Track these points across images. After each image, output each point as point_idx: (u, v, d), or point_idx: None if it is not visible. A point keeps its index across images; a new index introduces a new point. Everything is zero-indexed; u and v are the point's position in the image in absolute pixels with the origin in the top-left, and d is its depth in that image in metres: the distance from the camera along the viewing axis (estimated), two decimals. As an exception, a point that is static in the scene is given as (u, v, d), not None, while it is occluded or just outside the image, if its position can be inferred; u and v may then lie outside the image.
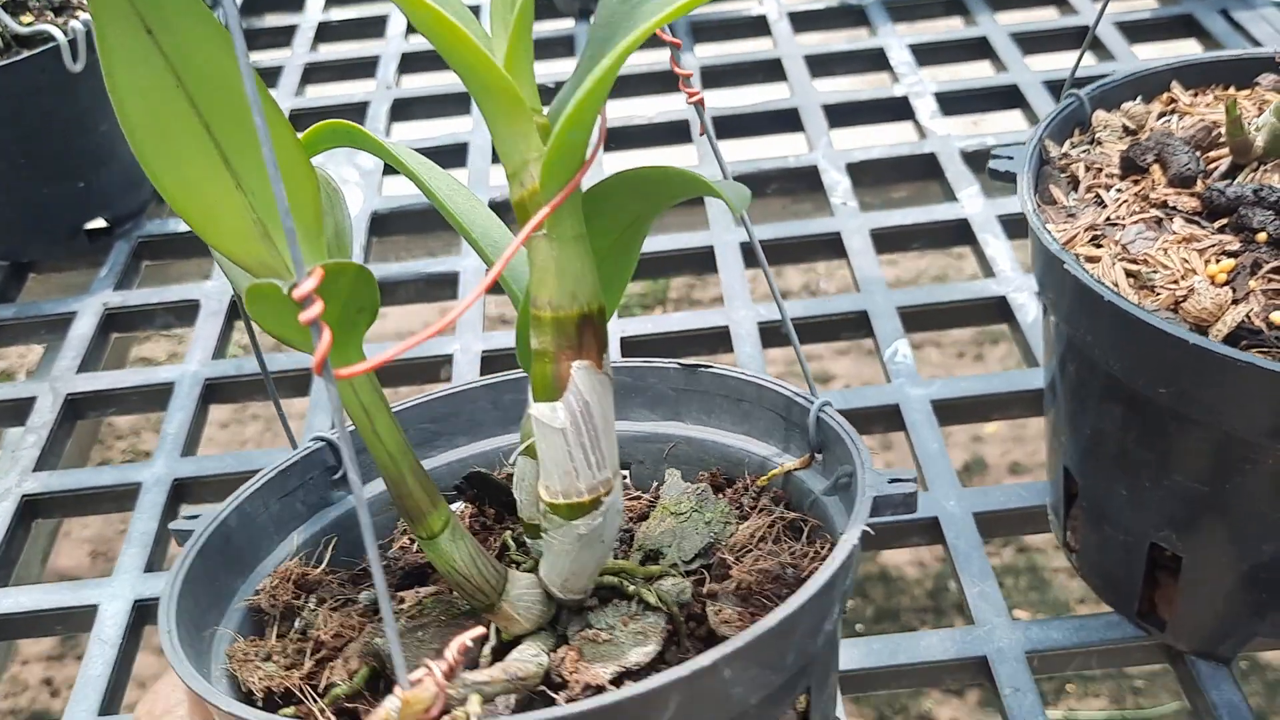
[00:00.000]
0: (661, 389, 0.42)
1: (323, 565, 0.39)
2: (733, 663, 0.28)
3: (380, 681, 0.34)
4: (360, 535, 0.38)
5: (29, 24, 0.74)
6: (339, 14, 1.07)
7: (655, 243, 0.75)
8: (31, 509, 0.62)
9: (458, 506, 0.41)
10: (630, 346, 0.68)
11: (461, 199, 0.37)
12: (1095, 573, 0.51)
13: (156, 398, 0.68)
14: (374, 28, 1.04)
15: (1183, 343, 0.38)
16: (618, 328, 0.69)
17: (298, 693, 0.34)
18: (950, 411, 0.63)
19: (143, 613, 0.56)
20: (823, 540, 0.37)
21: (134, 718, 0.38)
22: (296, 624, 0.37)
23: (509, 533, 0.39)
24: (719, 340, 0.69)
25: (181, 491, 0.62)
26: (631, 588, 0.34)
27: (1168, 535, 0.45)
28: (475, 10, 0.79)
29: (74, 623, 0.57)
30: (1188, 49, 0.94)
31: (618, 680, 0.32)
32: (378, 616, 0.36)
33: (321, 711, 0.32)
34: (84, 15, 0.73)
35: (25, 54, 0.71)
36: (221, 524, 0.37)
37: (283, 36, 1.04)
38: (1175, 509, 0.44)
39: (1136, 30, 0.94)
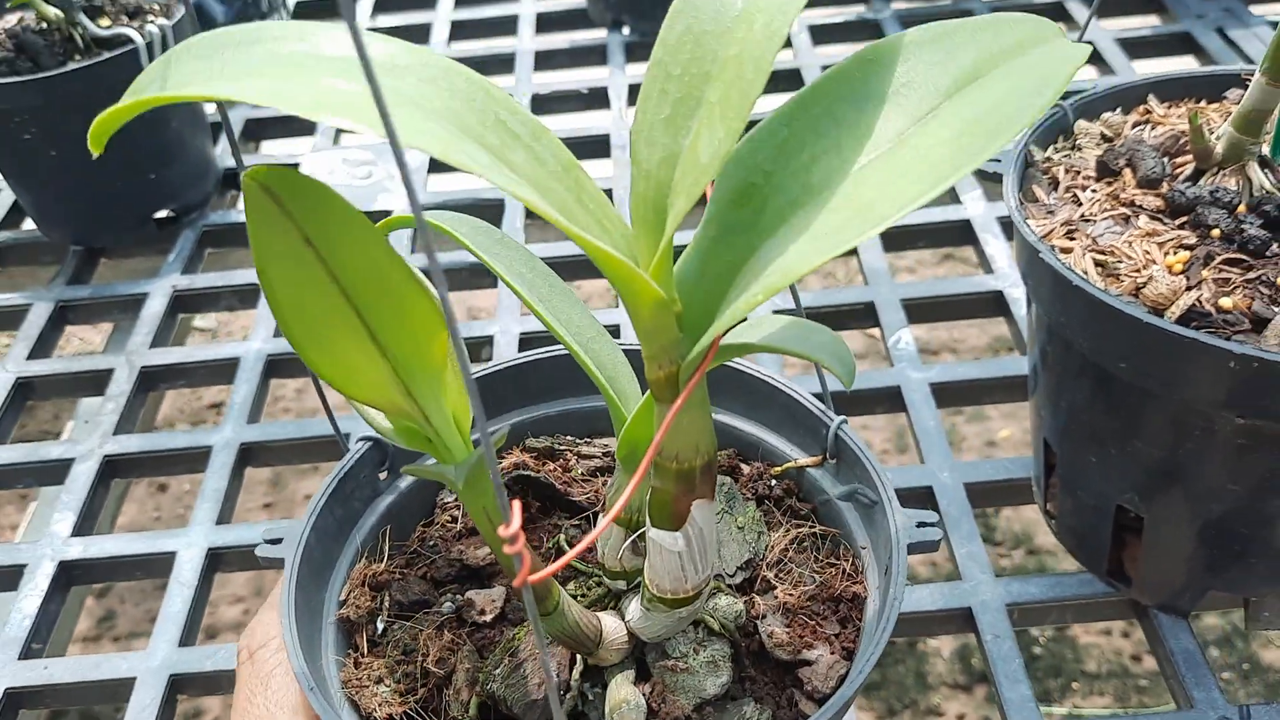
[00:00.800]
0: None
1: (385, 560, 0.42)
2: None
3: (491, 712, 0.38)
4: (408, 518, 0.43)
5: (107, 27, 0.81)
6: (386, 20, 1.13)
7: (681, 237, 0.81)
8: (112, 468, 0.69)
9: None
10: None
11: (591, 334, 0.39)
12: (1070, 535, 0.57)
13: (224, 372, 0.74)
14: (420, 33, 1.10)
15: (1140, 322, 0.44)
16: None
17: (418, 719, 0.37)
18: (947, 394, 0.69)
19: (213, 560, 0.63)
20: (845, 551, 0.42)
21: (237, 648, 0.41)
22: (390, 634, 0.40)
23: (561, 535, 0.43)
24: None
25: (247, 454, 0.69)
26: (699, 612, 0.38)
27: (1131, 498, 0.51)
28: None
29: (153, 568, 0.63)
30: (1185, 64, 0.99)
31: (699, 708, 0.37)
32: (472, 635, 0.39)
33: None
34: (161, 20, 0.80)
35: (105, 55, 0.77)
36: (306, 547, 0.39)
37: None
38: (1138, 474, 0.50)
39: (1137, 46, 1.00)
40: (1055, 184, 0.53)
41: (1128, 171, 0.52)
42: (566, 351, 0.39)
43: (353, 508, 0.43)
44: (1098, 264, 0.48)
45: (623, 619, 0.39)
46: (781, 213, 0.30)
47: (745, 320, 0.31)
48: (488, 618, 0.40)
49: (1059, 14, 1.06)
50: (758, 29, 0.29)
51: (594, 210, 0.30)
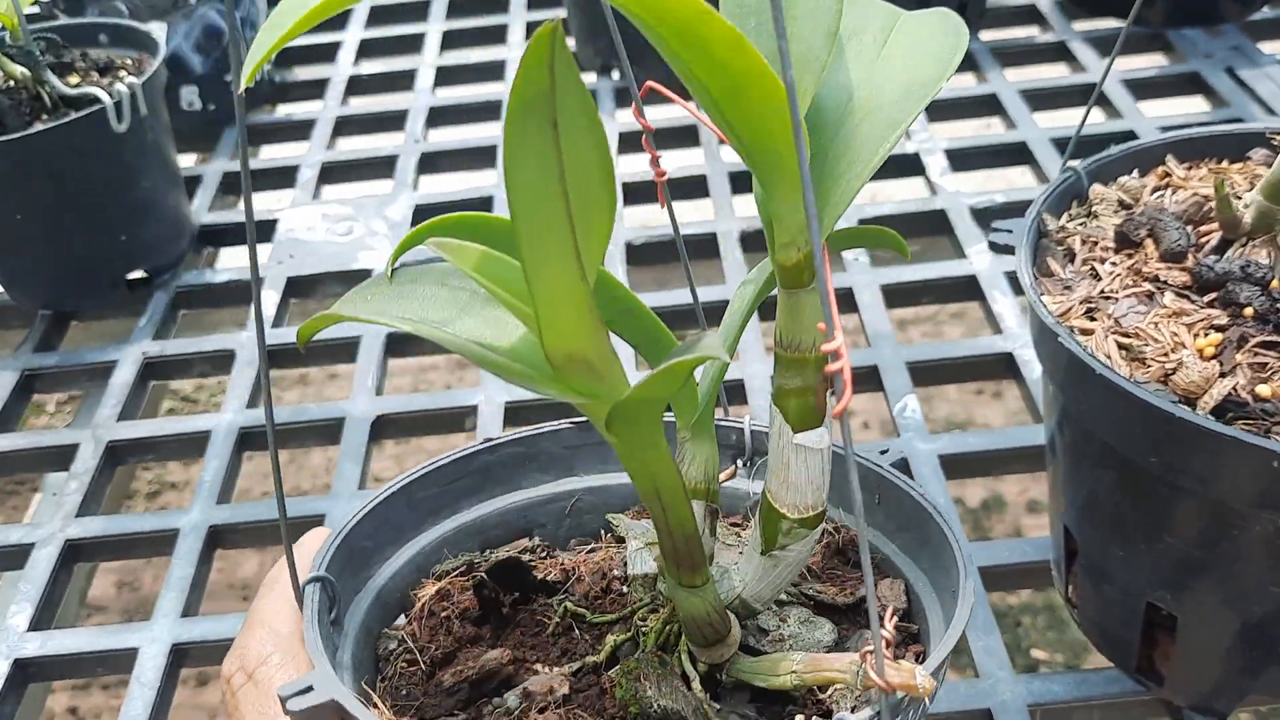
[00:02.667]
0: (553, 449, 0.44)
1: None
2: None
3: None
4: (369, 671, 0.39)
5: (75, 85, 0.78)
6: (369, 68, 1.10)
7: (672, 296, 0.78)
8: (74, 553, 0.65)
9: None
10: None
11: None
12: (1095, 628, 0.53)
13: (194, 445, 0.71)
14: (403, 81, 1.07)
15: (1172, 416, 0.40)
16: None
17: None
18: (957, 466, 0.65)
19: (179, 656, 0.59)
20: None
21: (224, 674, 0.38)
22: None
23: (563, 605, 0.40)
24: (734, 393, 0.71)
25: (216, 537, 0.65)
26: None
27: (1163, 595, 0.47)
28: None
29: (114, 665, 0.59)
30: (1194, 106, 0.96)
31: None
32: (563, 706, 0.36)
33: None
34: (130, 79, 0.77)
35: (73, 115, 0.74)
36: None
37: (314, 89, 1.08)
38: (1169, 571, 0.46)
39: (1144, 88, 0.97)
40: (1071, 256, 0.50)
41: (1149, 243, 0.48)
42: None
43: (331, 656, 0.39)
44: (1121, 347, 0.44)
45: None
46: (839, 106, 0.34)
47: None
48: (564, 692, 0.37)
49: (1062, 53, 1.03)
50: None
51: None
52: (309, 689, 0.34)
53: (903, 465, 0.42)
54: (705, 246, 0.84)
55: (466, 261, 0.31)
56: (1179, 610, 0.47)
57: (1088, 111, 0.54)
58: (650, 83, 0.45)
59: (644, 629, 0.38)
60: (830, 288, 0.31)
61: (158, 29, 0.82)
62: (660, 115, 1.00)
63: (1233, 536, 0.43)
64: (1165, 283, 0.46)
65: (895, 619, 0.35)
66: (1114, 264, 0.48)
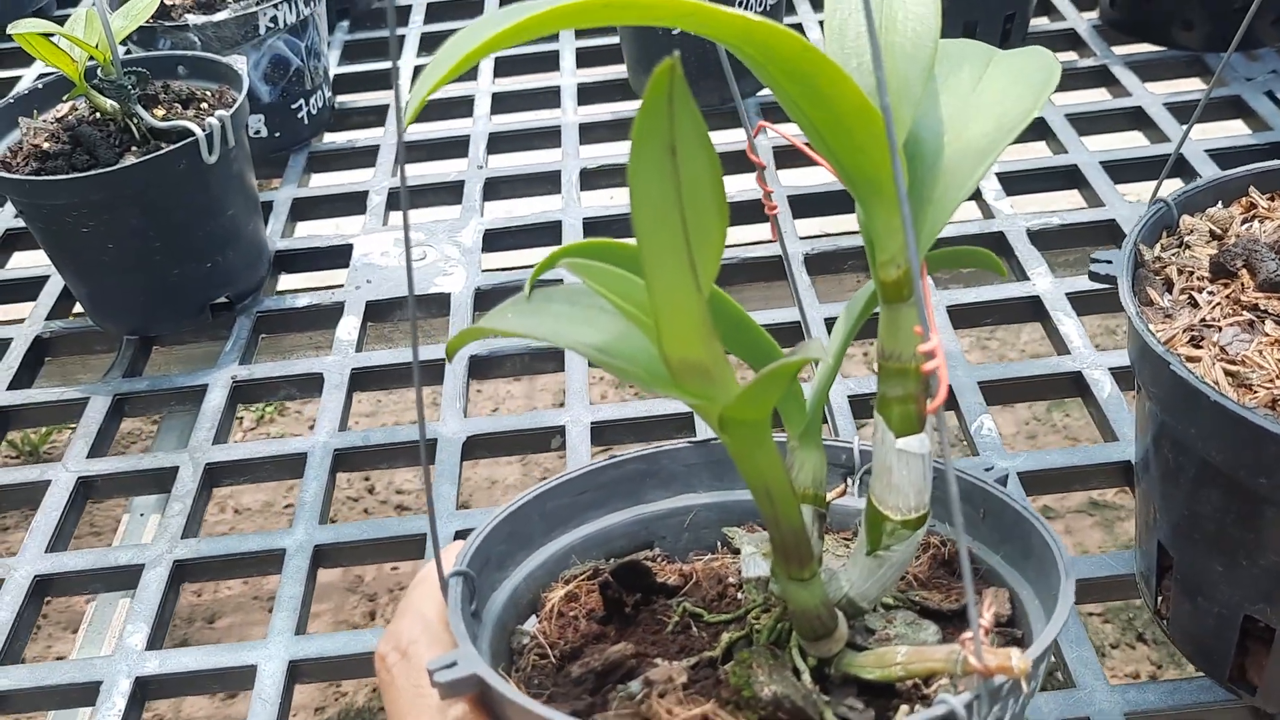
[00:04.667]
0: (673, 466, 0.46)
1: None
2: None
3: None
4: (503, 661, 0.41)
5: (162, 117, 0.80)
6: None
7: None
8: (181, 573, 0.67)
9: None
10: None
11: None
12: (1187, 639, 0.55)
13: (291, 466, 0.73)
14: (461, 107, 1.10)
15: (1283, 439, 0.43)
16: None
17: None
18: (1036, 483, 0.67)
19: (294, 672, 0.61)
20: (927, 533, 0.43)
21: (378, 654, 0.41)
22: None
23: (682, 607, 0.42)
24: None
25: (320, 556, 0.67)
26: None
27: (1262, 608, 0.50)
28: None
29: (231, 682, 0.61)
30: (1236, 129, 0.99)
31: None
32: (683, 693, 0.38)
33: None
34: (220, 111, 0.79)
35: (166, 148, 0.76)
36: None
37: (374, 116, 1.10)
38: (1270, 585, 0.48)
39: (1186, 111, 0.99)
40: (1169, 285, 0.52)
41: (1245, 272, 0.51)
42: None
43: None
44: (1228, 374, 0.47)
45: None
46: (936, 137, 0.37)
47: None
48: (683, 679, 0.38)
49: (1104, 77, 1.06)
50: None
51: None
52: (454, 664, 0.37)
53: (1004, 482, 0.43)
54: (770, 269, 0.86)
55: (595, 278, 0.34)
56: (1276, 622, 0.49)
57: (1164, 175, 0.55)
58: (763, 123, 0.48)
59: (757, 627, 0.40)
60: (929, 298, 0.34)
61: (239, 61, 0.84)
62: (716, 141, 1.02)
63: (1336, 552, 0.45)
64: (1265, 312, 0.48)
65: (993, 609, 0.36)
66: (1211, 293, 0.50)
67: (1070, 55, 1.11)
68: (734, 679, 0.37)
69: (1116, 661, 1.26)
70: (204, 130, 0.77)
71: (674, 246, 0.29)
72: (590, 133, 1.04)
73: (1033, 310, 0.80)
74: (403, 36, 1.22)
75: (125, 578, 0.67)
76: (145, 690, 0.61)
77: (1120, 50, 1.08)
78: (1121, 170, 0.92)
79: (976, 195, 0.92)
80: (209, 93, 0.85)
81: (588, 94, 1.10)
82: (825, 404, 0.39)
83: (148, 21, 0.94)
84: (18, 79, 1.20)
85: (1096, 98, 1.04)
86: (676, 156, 0.28)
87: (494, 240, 0.91)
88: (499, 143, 1.04)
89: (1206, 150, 0.91)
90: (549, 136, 1.04)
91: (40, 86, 0.84)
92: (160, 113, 0.81)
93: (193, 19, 0.93)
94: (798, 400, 0.39)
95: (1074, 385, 0.74)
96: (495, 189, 0.99)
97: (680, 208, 0.28)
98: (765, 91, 1.05)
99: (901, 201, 0.29)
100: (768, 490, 0.35)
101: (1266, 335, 0.48)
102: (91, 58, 0.78)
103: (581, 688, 0.40)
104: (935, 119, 0.38)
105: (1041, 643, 0.35)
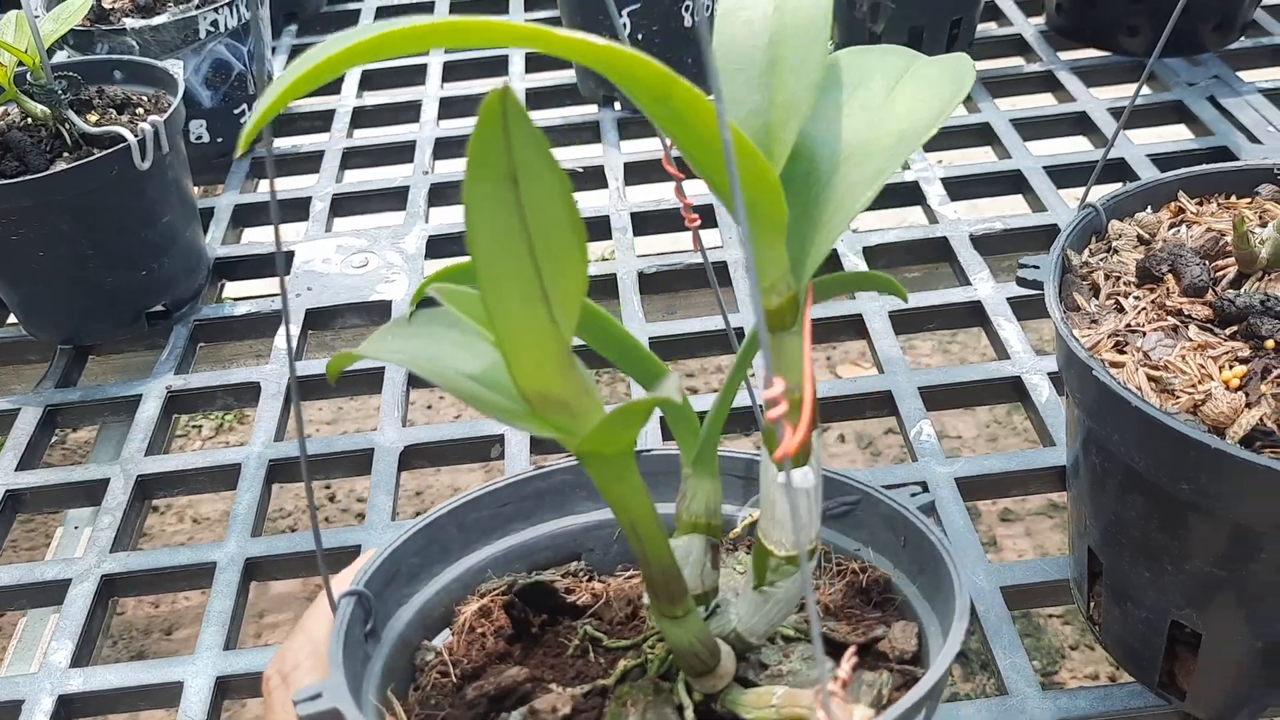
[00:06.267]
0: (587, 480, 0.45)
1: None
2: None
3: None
4: (401, 679, 0.40)
5: (96, 123, 0.79)
6: (373, 99, 1.12)
7: (685, 325, 0.80)
8: (110, 588, 0.66)
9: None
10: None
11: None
12: (1118, 645, 0.55)
13: (224, 478, 0.71)
14: (408, 113, 1.09)
15: (1203, 445, 0.43)
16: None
17: None
18: (973, 488, 0.67)
19: (222, 688, 0.60)
20: (843, 558, 0.42)
21: (265, 675, 0.40)
22: None
23: (584, 629, 0.41)
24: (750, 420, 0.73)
25: (253, 569, 0.66)
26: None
27: (1188, 614, 0.50)
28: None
29: (158, 699, 0.60)
30: (1178, 134, 0.99)
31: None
32: None
33: None
34: (154, 117, 0.78)
35: (98, 153, 0.75)
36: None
37: (320, 121, 1.09)
38: (1195, 591, 0.48)
39: (1131, 116, 1.00)
40: (1096, 290, 0.52)
41: (1170, 277, 0.51)
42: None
43: (356, 669, 0.39)
44: (1151, 379, 0.47)
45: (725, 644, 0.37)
46: (834, 154, 0.36)
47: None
48: (565, 711, 0.38)
49: (1050, 83, 1.06)
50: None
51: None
52: (319, 695, 0.35)
53: (929, 509, 0.42)
54: (717, 275, 0.86)
55: (458, 304, 0.33)
56: (1204, 628, 0.49)
57: (1098, 169, 0.56)
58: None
59: (650, 656, 0.39)
60: (808, 332, 0.33)
61: (175, 66, 0.83)
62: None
63: (1258, 558, 0.45)
64: (1189, 316, 0.49)
65: (854, 660, 0.33)
66: (1137, 298, 0.50)
67: (1017, 60, 1.11)
68: (610, 716, 0.37)
69: (1076, 663, 1.26)
70: (136, 136, 0.75)
71: (522, 279, 0.28)
72: (538, 138, 1.03)
73: (975, 315, 0.80)
74: (351, 41, 1.21)
75: (53, 593, 0.65)
76: (69, 709, 0.60)
77: (1066, 56, 1.09)
78: (1065, 175, 0.92)
79: (921, 200, 0.92)
80: (145, 98, 0.83)
81: (536, 98, 1.09)
82: (719, 432, 0.37)
83: (85, 25, 0.92)
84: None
85: (1042, 103, 1.04)
86: (519, 186, 0.26)
87: (439, 246, 0.90)
88: (446, 148, 1.03)
89: (1148, 155, 0.92)
90: (496, 142, 1.03)
91: (-30, 92, 0.83)
92: (94, 118, 0.79)
93: (130, 23, 0.92)
94: (691, 426, 0.38)
95: (1014, 390, 0.74)
96: (442, 194, 0.98)
97: (527, 239, 0.27)
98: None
99: (742, 229, 0.27)
100: (633, 525, 0.34)
101: (1190, 341, 0.48)
102: (21, 62, 0.77)
103: (474, 712, 0.39)
104: (833, 135, 0.36)
105: (910, 697, 0.34)
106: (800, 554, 0.32)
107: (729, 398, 0.37)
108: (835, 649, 0.39)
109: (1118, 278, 0.52)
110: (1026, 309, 0.79)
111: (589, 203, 0.94)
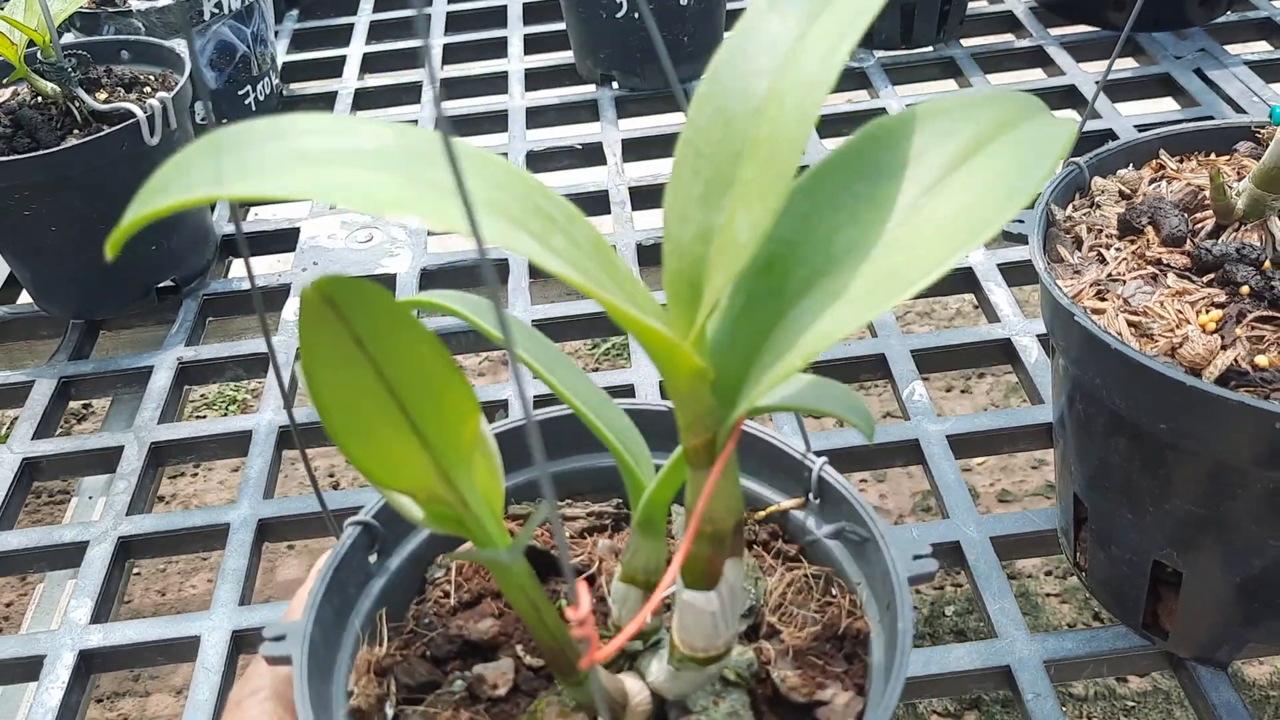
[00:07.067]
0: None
1: (385, 644, 0.41)
2: None
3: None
4: (401, 597, 0.43)
5: (104, 100, 0.80)
6: (374, 81, 1.13)
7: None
8: (126, 550, 0.68)
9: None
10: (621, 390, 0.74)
11: (597, 401, 0.39)
12: (1103, 588, 0.57)
13: (235, 445, 0.73)
14: (409, 95, 1.10)
15: (1180, 384, 0.44)
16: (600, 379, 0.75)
17: None
18: (964, 445, 0.69)
19: (238, 642, 0.62)
20: (841, 589, 0.41)
21: (230, 699, 0.41)
22: None
23: (562, 599, 0.43)
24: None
25: (265, 530, 0.68)
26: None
27: (1169, 554, 0.51)
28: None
29: (175, 653, 0.62)
30: (1167, 105, 1.01)
31: None
32: (489, 710, 0.39)
33: None
34: (161, 93, 0.79)
35: (107, 130, 0.76)
36: (310, 641, 0.38)
37: (322, 103, 1.10)
38: (1175, 530, 0.50)
39: (1118, 89, 1.02)
40: (1079, 243, 0.54)
41: (1150, 229, 0.53)
42: (569, 411, 0.39)
43: (348, 594, 0.42)
44: (1131, 325, 0.48)
45: (643, 679, 0.38)
46: (808, 281, 0.31)
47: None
48: (501, 691, 0.40)
49: (1040, 58, 1.08)
50: (789, 108, 0.30)
51: (625, 284, 0.31)
52: (283, 637, 0.38)
53: (927, 577, 0.39)
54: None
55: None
56: (1184, 567, 0.51)
57: (1084, 122, 0.58)
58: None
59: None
60: (716, 472, 0.30)
61: (181, 46, 0.84)
62: (664, 122, 1.04)
63: (1235, 495, 0.47)
64: (1167, 265, 0.50)
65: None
66: (1119, 249, 0.52)
67: (1007, 36, 1.13)
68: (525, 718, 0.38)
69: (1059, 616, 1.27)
70: (145, 112, 0.77)
71: (387, 417, 0.29)
72: (537, 116, 1.05)
73: (966, 281, 0.82)
74: (352, 25, 1.23)
75: (71, 555, 0.67)
76: (89, 663, 0.62)
77: (1056, 31, 1.10)
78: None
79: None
80: (152, 77, 0.85)
81: (535, 79, 1.11)
82: (665, 509, 0.37)
83: (91, 6, 0.94)
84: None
85: (1032, 77, 1.06)
86: (364, 345, 0.28)
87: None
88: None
89: (1136, 125, 0.94)
90: (496, 120, 1.05)
91: (-19, 72, 0.84)
92: (102, 96, 0.81)
93: (136, 4, 0.94)
94: (638, 488, 0.38)
95: (1003, 352, 0.76)
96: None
97: (387, 384, 0.29)
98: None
99: (512, 361, 0.27)
100: (535, 609, 0.34)
101: (1168, 288, 0.49)
102: (31, 41, 0.79)
103: (443, 653, 0.41)
104: (823, 237, 0.31)
105: None
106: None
107: (670, 489, 0.37)
108: (776, 704, 0.38)
109: (1100, 230, 0.54)
110: (1016, 275, 0.81)
111: (588, 178, 0.96)
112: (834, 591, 0.42)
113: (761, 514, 0.45)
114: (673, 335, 0.28)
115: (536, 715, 0.38)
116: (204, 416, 1.55)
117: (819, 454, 0.42)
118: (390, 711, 0.39)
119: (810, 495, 0.44)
